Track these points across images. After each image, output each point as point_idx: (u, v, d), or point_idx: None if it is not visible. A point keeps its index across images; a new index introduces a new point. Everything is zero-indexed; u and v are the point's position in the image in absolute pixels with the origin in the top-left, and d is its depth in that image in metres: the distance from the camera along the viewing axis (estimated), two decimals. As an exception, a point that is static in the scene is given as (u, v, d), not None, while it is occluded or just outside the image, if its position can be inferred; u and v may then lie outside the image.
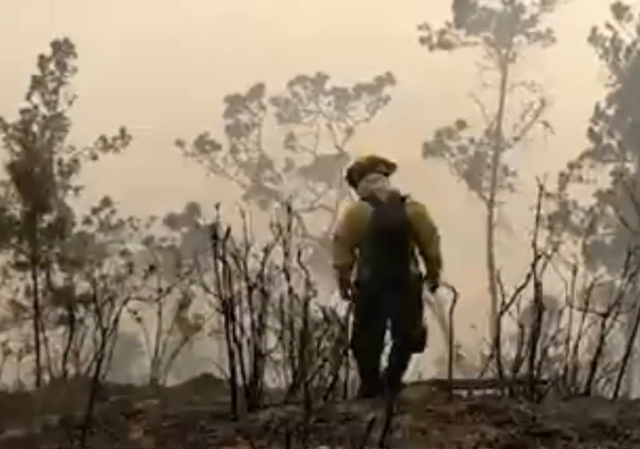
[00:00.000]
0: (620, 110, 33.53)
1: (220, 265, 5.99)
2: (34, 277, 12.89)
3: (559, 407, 5.76)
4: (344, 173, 7.16)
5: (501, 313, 6.18)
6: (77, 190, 35.74)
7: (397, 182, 7.03)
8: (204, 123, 36.11)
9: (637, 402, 7.61)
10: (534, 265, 6.05)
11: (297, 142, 38.60)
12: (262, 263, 6.09)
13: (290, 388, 6.03)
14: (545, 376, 7.38)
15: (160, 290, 10.31)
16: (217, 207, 5.51)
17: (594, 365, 7.87)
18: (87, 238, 35.53)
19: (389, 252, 6.45)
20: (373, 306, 6.42)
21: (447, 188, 35.80)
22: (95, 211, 35.83)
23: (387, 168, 6.82)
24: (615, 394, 7.96)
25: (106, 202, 35.68)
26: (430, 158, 37.24)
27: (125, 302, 10.12)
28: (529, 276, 6.13)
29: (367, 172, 6.73)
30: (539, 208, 5.94)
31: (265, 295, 6.07)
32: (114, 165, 35.49)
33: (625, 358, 8.04)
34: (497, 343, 6.71)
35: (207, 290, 6.47)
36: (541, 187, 5.89)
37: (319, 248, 37.20)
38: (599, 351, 7.93)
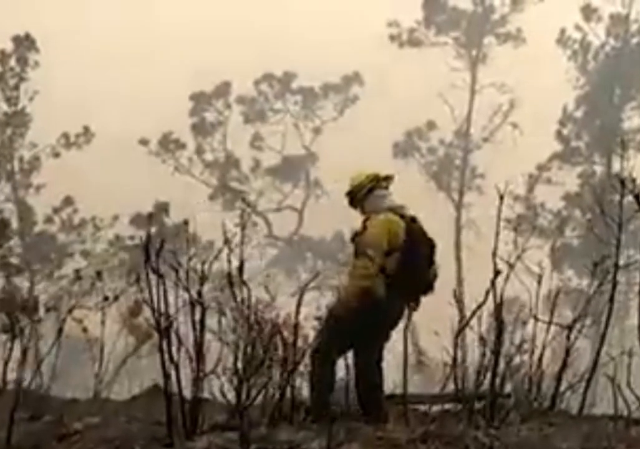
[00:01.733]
0: (588, 112, 33.46)
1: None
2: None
3: (519, 433, 5.36)
4: (344, 193, 6.75)
5: (458, 332, 5.76)
6: (38, 188, 35.09)
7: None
8: (169, 121, 35.47)
9: (602, 420, 7.28)
10: (493, 282, 5.64)
11: (264, 142, 38.06)
12: (201, 278, 5.60)
13: (231, 412, 5.57)
14: (508, 387, 7.05)
15: (106, 298, 9.76)
16: (150, 216, 5.03)
17: (559, 379, 7.58)
18: (49, 238, 34.90)
19: (416, 272, 6.30)
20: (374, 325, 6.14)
21: (416, 190, 35.52)
22: (56, 210, 35.15)
23: (387, 182, 6.64)
24: (581, 409, 7.67)
25: (68, 201, 35.00)
26: (399, 160, 36.92)
27: (69, 311, 9.57)
28: (487, 293, 5.72)
29: (373, 189, 6.52)
30: (498, 222, 5.51)
31: (204, 310, 5.60)
32: (77, 163, 34.74)
33: (591, 372, 7.75)
34: (454, 361, 6.30)
35: (147, 305, 5.98)
36: (501, 197, 5.47)
37: (285, 249, 36.77)
38: (564, 364, 7.64)
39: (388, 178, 6.64)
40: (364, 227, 6.38)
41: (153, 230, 34.32)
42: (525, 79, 33.67)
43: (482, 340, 6.60)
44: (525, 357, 7.16)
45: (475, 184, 36.62)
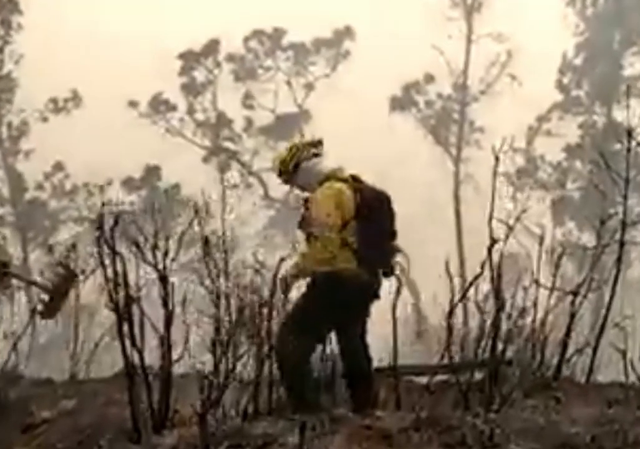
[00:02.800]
0: (588, 59, 32.78)
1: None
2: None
3: (522, 415, 4.86)
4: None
5: (451, 309, 5.22)
6: (27, 154, 34.54)
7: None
8: (158, 82, 34.72)
9: (612, 388, 6.90)
10: (490, 251, 5.07)
11: (256, 100, 37.33)
12: (165, 253, 5.06)
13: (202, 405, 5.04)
14: (509, 353, 6.62)
15: (82, 272, 9.23)
16: (101, 188, 4.46)
17: (564, 344, 7.22)
18: (40, 205, 34.43)
19: (382, 242, 5.61)
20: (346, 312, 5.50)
21: (414, 145, 35.00)
22: (47, 176, 34.62)
23: (316, 148, 5.84)
24: (588, 377, 7.33)
25: (58, 166, 34.44)
26: (397, 114, 36.23)
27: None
28: (483, 265, 5.16)
29: (299, 162, 5.77)
30: (494, 184, 4.94)
31: (166, 286, 5.06)
32: (66, 127, 34.09)
33: (598, 337, 7.39)
34: (449, 332, 5.80)
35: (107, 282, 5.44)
36: (497, 158, 4.89)
37: (282, 210, 36.28)
38: (569, 329, 7.30)
39: (317, 144, 5.86)
40: (307, 205, 5.65)
41: (144, 194, 33.89)
42: (523, 27, 32.81)
43: (479, 308, 6.17)
44: (527, 321, 6.78)
45: (474, 138, 35.94)
